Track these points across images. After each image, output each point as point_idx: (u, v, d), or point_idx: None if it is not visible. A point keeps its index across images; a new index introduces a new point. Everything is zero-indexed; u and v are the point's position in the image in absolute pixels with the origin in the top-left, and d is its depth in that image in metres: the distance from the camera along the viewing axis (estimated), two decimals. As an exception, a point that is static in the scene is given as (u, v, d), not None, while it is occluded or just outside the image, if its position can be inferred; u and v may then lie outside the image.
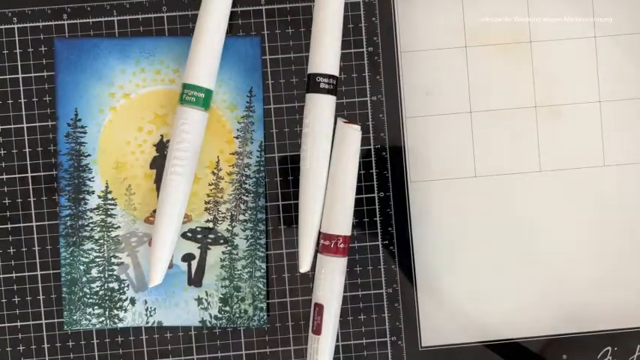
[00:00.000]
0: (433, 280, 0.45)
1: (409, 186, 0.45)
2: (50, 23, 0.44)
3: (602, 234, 0.46)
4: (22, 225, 0.44)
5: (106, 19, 0.44)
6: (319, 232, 0.43)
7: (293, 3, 0.45)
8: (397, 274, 0.45)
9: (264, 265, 0.44)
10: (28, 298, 0.44)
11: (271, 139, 0.45)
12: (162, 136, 0.44)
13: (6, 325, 0.44)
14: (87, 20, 0.44)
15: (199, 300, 0.44)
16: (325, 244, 0.42)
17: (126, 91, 0.44)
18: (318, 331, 0.42)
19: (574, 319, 0.45)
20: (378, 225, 0.45)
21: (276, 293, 0.45)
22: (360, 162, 0.45)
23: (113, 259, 0.44)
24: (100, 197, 0.44)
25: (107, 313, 0.44)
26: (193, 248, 0.44)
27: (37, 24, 0.44)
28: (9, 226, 0.44)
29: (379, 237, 0.45)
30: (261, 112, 0.44)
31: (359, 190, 0.45)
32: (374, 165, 0.45)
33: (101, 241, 0.44)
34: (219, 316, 0.44)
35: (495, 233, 0.45)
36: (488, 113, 0.45)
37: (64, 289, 0.44)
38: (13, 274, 0.44)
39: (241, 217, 0.44)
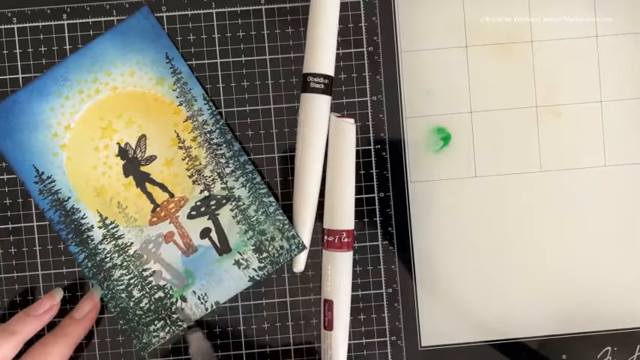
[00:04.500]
0: (433, 280, 0.45)
1: (409, 186, 0.45)
2: (50, 23, 0.44)
3: (602, 234, 0.46)
4: (22, 225, 0.44)
5: (106, 18, 0.44)
6: (323, 230, 0.43)
7: (293, 3, 0.45)
8: (397, 274, 0.45)
9: (272, 199, 0.44)
10: (30, 297, 0.44)
11: (271, 139, 0.45)
12: (118, 143, 0.44)
13: (7, 324, 0.44)
14: (86, 20, 0.44)
15: (237, 263, 0.44)
16: (330, 240, 0.42)
17: (65, 125, 0.44)
18: (329, 327, 0.42)
19: (574, 319, 0.45)
20: (378, 225, 0.45)
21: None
22: (360, 162, 0.45)
23: (144, 273, 0.44)
24: (100, 227, 0.44)
25: (168, 320, 0.44)
26: (205, 222, 0.44)
27: (37, 24, 0.44)
28: (10, 226, 0.44)
29: (379, 237, 0.45)
30: (187, 69, 0.44)
31: (359, 190, 0.45)
32: (374, 165, 0.45)
33: (125, 263, 0.44)
34: (262, 265, 0.44)
35: (495, 233, 0.45)
36: (488, 113, 0.45)
37: (121, 322, 0.44)
38: (15, 274, 0.44)
39: (227, 170, 0.44)
